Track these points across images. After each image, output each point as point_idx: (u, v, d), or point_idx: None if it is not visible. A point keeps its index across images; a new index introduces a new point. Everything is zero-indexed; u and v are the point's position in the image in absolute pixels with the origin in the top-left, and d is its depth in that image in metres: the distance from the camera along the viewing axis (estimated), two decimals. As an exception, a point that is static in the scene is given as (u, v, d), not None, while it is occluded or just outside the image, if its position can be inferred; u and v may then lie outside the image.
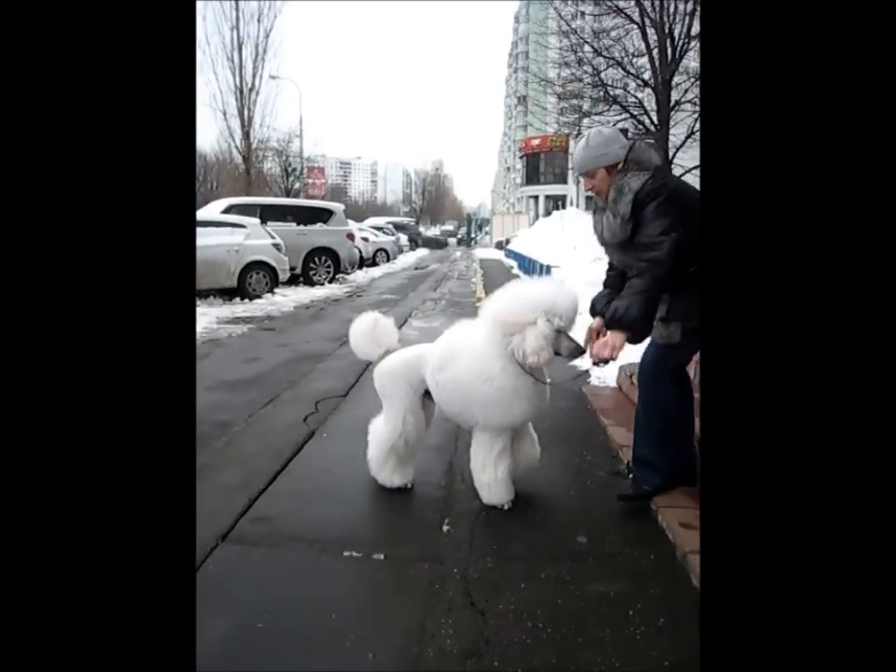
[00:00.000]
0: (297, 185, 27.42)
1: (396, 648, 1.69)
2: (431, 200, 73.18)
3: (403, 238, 25.70)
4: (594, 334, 2.43)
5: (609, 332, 2.26)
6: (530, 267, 12.89)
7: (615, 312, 2.20)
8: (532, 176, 43.69)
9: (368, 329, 2.68)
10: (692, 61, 12.69)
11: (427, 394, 2.59)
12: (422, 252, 30.23)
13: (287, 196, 25.93)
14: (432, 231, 50.44)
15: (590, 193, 2.48)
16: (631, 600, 1.88)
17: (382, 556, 2.15)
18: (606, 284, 2.64)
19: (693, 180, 13.14)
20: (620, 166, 2.32)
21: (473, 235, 48.87)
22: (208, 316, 7.80)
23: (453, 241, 49.04)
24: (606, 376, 4.54)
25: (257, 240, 10.01)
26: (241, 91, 23.51)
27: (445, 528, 2.32)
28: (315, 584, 1.98)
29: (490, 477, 2.45)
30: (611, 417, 3.59)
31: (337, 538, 2.27)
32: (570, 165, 23.58)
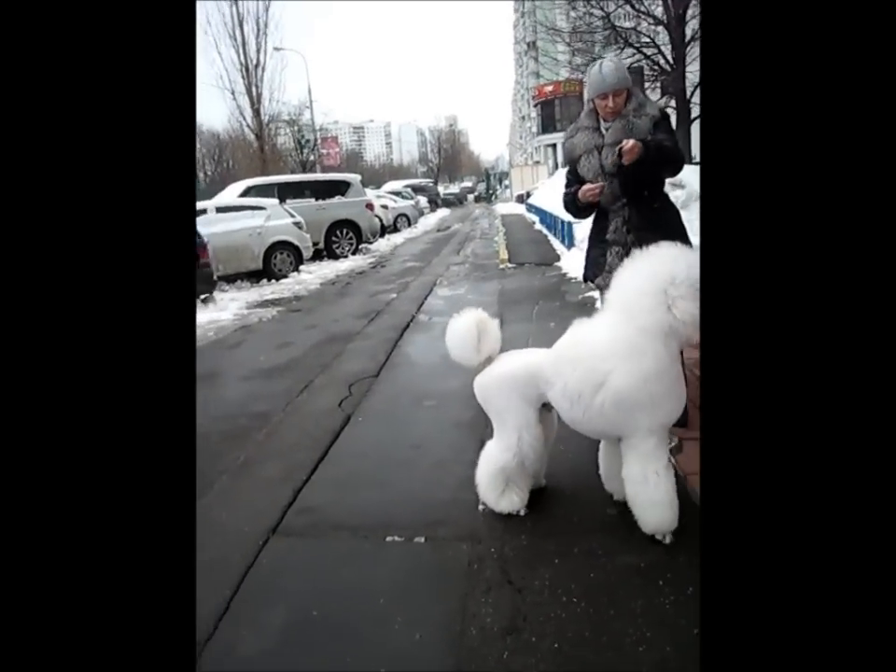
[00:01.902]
0: (311, 157, 27.32)
1: (440, 627, 1.82)
2: (448, 157, 72.09)
3: (423, 200, 25.60)
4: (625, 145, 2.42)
5: (633, 142, 2.39)
6: (552, 223, 12.76)
7: (658, 138, 2.50)
8: (548, 124, 42.62)
9: (469, 332, 2.27)
10: (706, -9, 12.14)
11: (544, 405, 2.28)
12: (442, 213, 30.05)
13: (304, 168, 25.92)
14: (451, 190, 49.89)
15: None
16: (661, 570, 1.97)
17: (423, 539, 2.27)
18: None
19: (715, 118, 12.74)
20: (630, 91, 2.64)
21: (492, 190, 48.21)
22: (238, 302, 7.99)
23: (472, 197, 48.52)
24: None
25: (277, 220, 10.13)
26: (246, 69, 23.36)
27: (481, 507, 2.43)
28: (362, 571, 2.12)
29: (660, 492, 2.08)
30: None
31: (379, 523, 2.40)
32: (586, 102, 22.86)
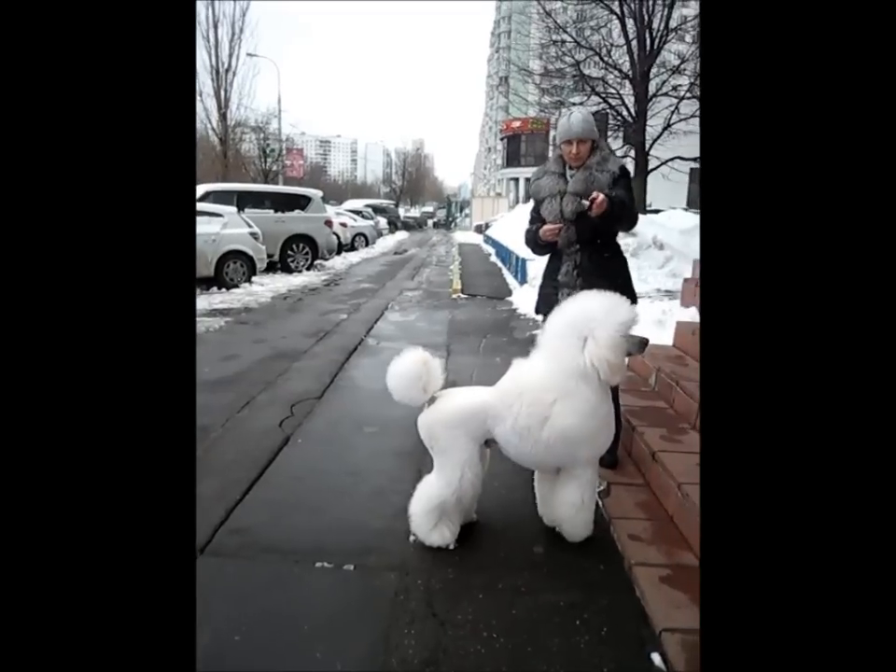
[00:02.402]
0: (275, 167, 27.14)
1: (362, 658, 1.84)
2: (412, 180, 72.60)
3: (382, 221, 25.67)
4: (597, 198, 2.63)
5: (602, 197, 2.61)
6: (507, 257, 13.01)
7: (621, 195, 2.70)
8: (513, 159, 43.60)
9: (416, 372, 2.31)
10: (669, 53, 12.81)
11: (485, 443, 2.40)
12: (401, 235, 30.20)
13: (266, 177, 25.71)
14: (412, 213, 50.23)
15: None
16: (579, 610, 2.05)
17: (351, 567, 2.29)
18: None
19: (667, 171, 13.31)
20: (596, 143, 2.85)
21: (452, 218, 48.77)
22: (185, 308, 7.82)
23: (431, 223, 48.97)
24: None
25: (234, 229, 10.02)
26: (217, 72, 23.15)
27: (412, 538, 2.47)
28: (289, 596, 2.13)
29: (590, 513, 2.41)
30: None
31: (309, 548, 2.41)
32: (551, 152, 23.52)
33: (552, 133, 22.91)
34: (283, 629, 1.96)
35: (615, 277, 2.76)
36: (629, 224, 2.89)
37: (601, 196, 2.59)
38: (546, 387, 2.25)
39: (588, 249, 2.83)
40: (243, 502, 2.78)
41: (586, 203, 2.66)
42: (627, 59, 12.59)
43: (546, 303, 2.94)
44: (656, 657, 1.85)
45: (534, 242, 2.96)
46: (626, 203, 2.73)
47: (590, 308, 2.22)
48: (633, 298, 2.74)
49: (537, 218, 2.96)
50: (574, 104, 13.81)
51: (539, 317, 3.08)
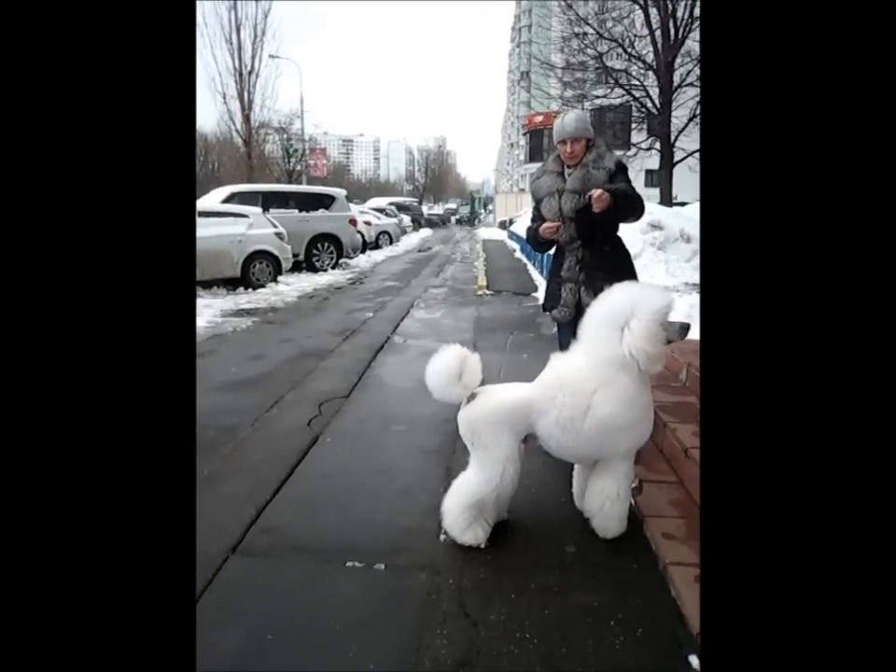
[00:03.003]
0: (298, 167, 27.35)
1: (394, 657, 1.84)
2: (434, 177, 72.65)
3: (406, 219, 25.73)
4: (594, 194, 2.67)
5: (605, 193, 2.64)
6: (531, 252, 12.94)
7: (618, 186, 2.74)
8: (536, 153, 43.25)
9: (454, 369, 2.29)
10: (694, 42, 12.58)
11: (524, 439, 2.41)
12: (425, 233, 30.20)
13: (290, 178, 25.93)
14: (435, 210, 50.22)
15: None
16: (613, 610, 2.02)
17: (382, 566, 2.29)
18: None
19: (695, 164, 13.11)
20: (591, 141, 2.92)
21: (476, 214, 48.66)
22: (212, 309, 7.92)
23: (454, 219, 48.93)
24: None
25: (259, 229, 10.11)
26: (240, 74, 23.40)
27: (442, 538, 2.46)
28: (320, 595, 2.13)
29: (624, 507, 2.41)
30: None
31: (340, 547, 2.41)
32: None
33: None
34: (315, 628, 1.96)
35: (617, 270, 2.77)
36: (636, 215, 2.88)
37: (597, 192, 2.63)
38: (586, 377, 2.27)
39: (589, 245, 2.91)
40: (273, 501, 2.79)
41: (586, 199, 2.71)
42: (651, 49, 12.40)
43: (552, 299, 3.06)
44: (694, 660, 1.81)
45: (535, 240, 3.05)
46: (629, 193, 2.76)
47: (626, 298, 2.23)
48: None
49: (538, 217, 3.03)
50: (597, 97, 13.68)
51: (548, 314, 3.16)
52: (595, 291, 2.52)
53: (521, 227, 18.77)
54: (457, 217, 50.52)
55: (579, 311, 2.78)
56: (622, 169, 2.87)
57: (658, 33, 12.06)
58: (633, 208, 2.82)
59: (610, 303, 2.26)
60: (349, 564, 2.30)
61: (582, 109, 15.00)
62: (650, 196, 14.08)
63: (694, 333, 4.41)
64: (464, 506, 2.34)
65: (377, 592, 2.16)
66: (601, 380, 2.25)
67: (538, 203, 3.01)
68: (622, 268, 2.89)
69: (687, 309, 5.34)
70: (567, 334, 2.84)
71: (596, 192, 2.64)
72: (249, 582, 2.20)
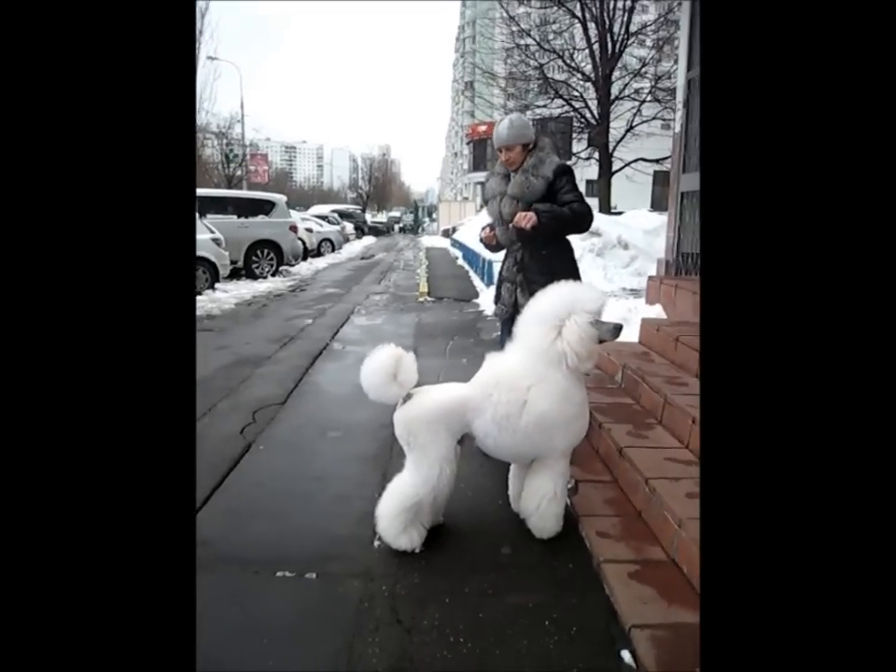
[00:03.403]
0: (239, 172, 26.75)
1: (325, 669, 1.77)
2: (378, 185, 72.29)
3: (349, 226, 25.48)
4: (521, 217, 2.78)
5: (531, 214, 2.74)
6: (473, 259, 13.02)
7: (551, 208, 2.79)
8: (479, 163, 43.68)
9: (389, 369, 2.25)
10: (630, 56, 13.01)
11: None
12: (368, 240, 30.03)
13: (230, 183, 25.34)
14: (379, 218, 50.04)
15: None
16: (547, 610, 2.01)
17: (314, 575, 2.22)
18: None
19: (632, 174, 13.51)
20: (532, 145, 2.95)
21: (420, 223, 48.74)
22: (145, 316, 7.62)
23: (398, 227, 48.87)
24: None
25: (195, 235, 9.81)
26: (176, 76, 22.69)
27: (376, 544, 2.40)
28: (249, 608, 2.04)
29: (561, 506, 2.41)
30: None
31: (270, 557, 2.32)
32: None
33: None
34: (242, 643, 1.87)
35: (555, 273, 2.69)
36: (579, 227, 2.90)
37: (520, 215, 2.74)
38: (522, 374, 2.28)
39: (529, 247, 2.96)
40: (200, 512, 2.67)
41: (513, 226, 2.83)
42: (590, 62, 12.74)
43: (497, 297, 3.18)
44: (626, 654, 1.81)
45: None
46: (564, 215, 2.79)
47: (560, 297, 2.28)
48: None
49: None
50: (538, 106, 13.95)
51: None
52: (531, 292, 2.55)
53: (463, 235, 18.92)
54: (401, 225, 50.46)
55: (515, 310, 2.81)
56: (562, 173, 2.86)
57: (596, 46, 12.40)
58: (566, 227, 2.87)
59: (545, 302, 2.30)
60: (280, 574, 2.22)
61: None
62: (590, 206, 14.49)
63: (630, 336, 4.51)
64: (399, 509, 2.29)
65: (309, 602, 2.09)
66: (536, 376, 2.26)
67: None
68: (561, 271, 2.80)
69: (624, 313, 5.47)
70: (506, 332, 2.96)
71: (519, 215, 2.74)
72: (171, 597, 2.08)
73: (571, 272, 2.94)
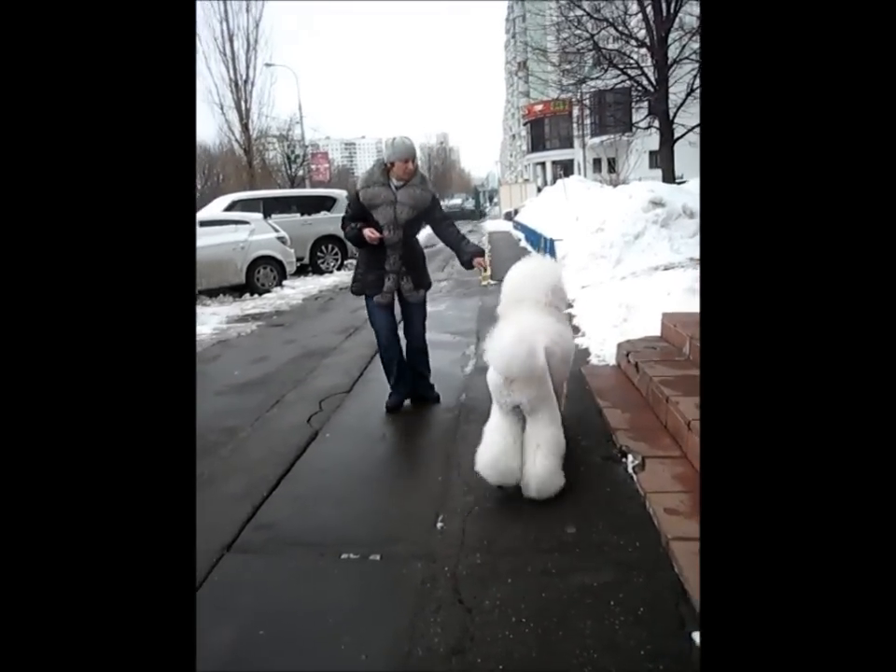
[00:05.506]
0: (301, 172, 27.38)
1: (387, 648, 1.79)
2: (438, 174, 72.18)
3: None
4: (479, 262, 3.59)
5: (481, 257, 3.60)
6: (536, 240, 12.82)
7: (475, 246, 3.68)
8: (537, 143, 43.04)
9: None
10: (687, 15, 12.38)
11: None
12: (429, 229, 30.08)
13: (293, 184, 25.96)
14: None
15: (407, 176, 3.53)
16: (613, 590, 1.95)
17: (378, 557, 2.24)
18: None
19: (694, 138, 12.90)
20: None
21: (481, 207, 48.40)
22: (218, 316, 7.94)
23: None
24: (605, 354, 4.57)
25: (261, 235, 10.11)
26: (236, 84, 23.43)
27: (439, 525, 2.41)
28: (314, 589, 2.09)
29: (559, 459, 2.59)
30: (607, 398, 3.64)
31: (335, 540, 2.37)
32: (576, 132, 23.30)
33: (575, 112, 22.47)
34: (307, 623, 1.91)
35: (417, 265, 3.72)
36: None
37: (477, 259, 3.57)
38: (553, 321, 2.84)
39: (407, 247, 3.62)
40: (269, 498, 2.75)
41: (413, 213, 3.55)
42: (643, 27, 12.20)
43: (373, 287, 3.63)
44: (697, 636, 1.74)
45: (357, 238, 3.52)
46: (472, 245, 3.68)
47: (549, 269, 3.14)
48: (429, 279, 3.86)
49: (358, 217, 3.54)
50: (593, 78, 13.52)
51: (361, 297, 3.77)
52: (409, 280, 3.63)
53: (525, 216, 18.66)
54: (461, 210, 50.20)
55: (398, 295, 3.67)
56: (435, 196, 3.64)
57: (650, 9, 11.86)
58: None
59: (542, 272, 3.03)
60: (344, 556, 2.26)
61: (580, 93, 14.93)
62: (655, 178, 13.80)
63: (696, 305, 4.32)
64: (560, 459, 2.53)
65: (372, 583, 2.11)
66: (556, 320, 2.89)
67: (371, 208, 3.49)
68: (420, 264, 3.76)
69: (692, 283, 5.23)
70: (384, 315, 3.67)
71: (477, 259, 3.57)
72: (243, 579, 2.16)
73: (425, 263, 3.82)
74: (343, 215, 3.71)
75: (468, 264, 3.61)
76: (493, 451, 2.52)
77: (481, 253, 3.61)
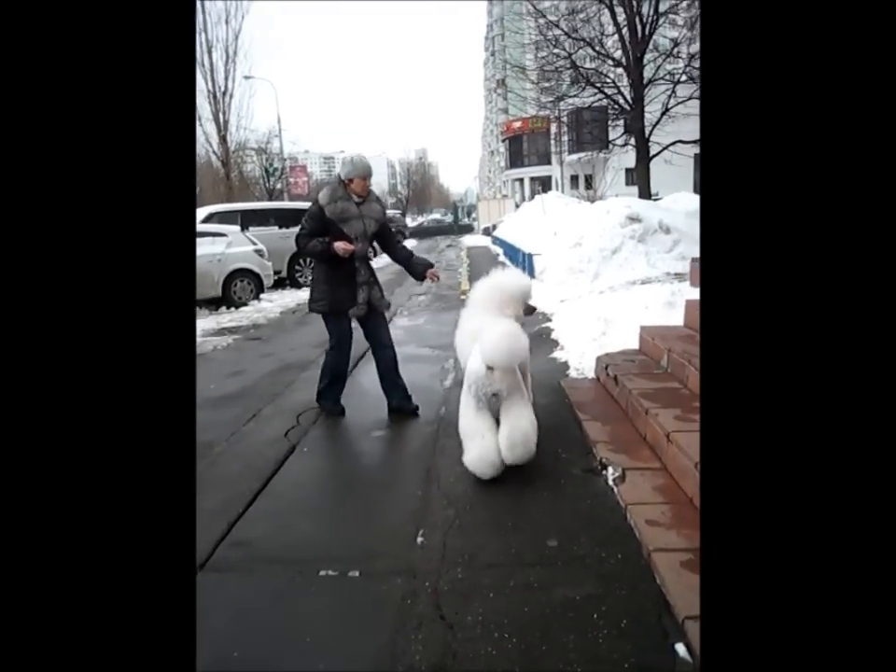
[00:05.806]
0: (279, 185, 27.29)
1: (367, 666, 1.74)
2: (417, 189, 72.53)
3: (389, 231, 25.61)
4: (432, 273, 3.95)
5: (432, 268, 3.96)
6: (514, 255, 12.89)
7: (425, 260, 3.99)
8: (516, 159, 43.50)
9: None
10: (661, 38, 12.67)
11: None
12: (410, 243, 30.15)
13: (271, 196, 25.86)
14: (419, 221, 50.16)
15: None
16: (596, 603, 1.93)
17: (357, 573, 2.20)
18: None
19: (670, 157, 13.14)
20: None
21: (459, 222, 48.60)
22: (193, 329, 7.81)
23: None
24: (584, 368, 4.59)
25: (238, 248, 10.02)
26: (214, 96, 23.32)
27: (419, 540, 2.37)
28: (291, 608, 2.03)
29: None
30: (587, 411, 3.64)
31: (313, 556, 2.32)
32: (554, 149, 23.63)
33: (553, 129, 22.78)
34: (284, 643, 1.86)
35: (375, 276, 3.93)
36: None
37: (431, 271, 3.94)
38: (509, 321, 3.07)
39: (367, 258, 3.85)
40: (245, 515, 2.69)
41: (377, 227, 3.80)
42: (620, 47, 12.44)
43: (344, 302, 3.73)
44: (681, 648, 1.73)
45: (325, 253, 3.57)
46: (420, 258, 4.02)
47: (517, 280, 3.41)
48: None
49: (318, 232, 3.59)
50: (571, 96, 13.72)
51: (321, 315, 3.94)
52: (377, 289, 3.88)
53: (503, 232, 18.78)
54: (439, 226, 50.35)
55: (369, 306, 3.81)
56: (385, 212, 3.90)
57: (626, 30, 12.10)
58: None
59: (510, 283, 3.32)
60: (322, 573, 2.21)
61: (558, 111, 15.15)
62: (631, 194, 13.99)
63: (675, 320, 4.35)
64: (535, 429, 2.83)
65: (351, 600, 2.07)
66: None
67: (340, 222, 3.58)
68: (375, 276, 3.94)
69: (668, 297, 5.30)
70: (347, 327, 3.84)
71: (430, 271, 3.90)
72: (216, 600, 2.09)
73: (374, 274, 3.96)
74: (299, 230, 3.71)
75: (420, 276, 3.89)
76: (479, 445, 2.74)
77: (431, 266, 3.91)
